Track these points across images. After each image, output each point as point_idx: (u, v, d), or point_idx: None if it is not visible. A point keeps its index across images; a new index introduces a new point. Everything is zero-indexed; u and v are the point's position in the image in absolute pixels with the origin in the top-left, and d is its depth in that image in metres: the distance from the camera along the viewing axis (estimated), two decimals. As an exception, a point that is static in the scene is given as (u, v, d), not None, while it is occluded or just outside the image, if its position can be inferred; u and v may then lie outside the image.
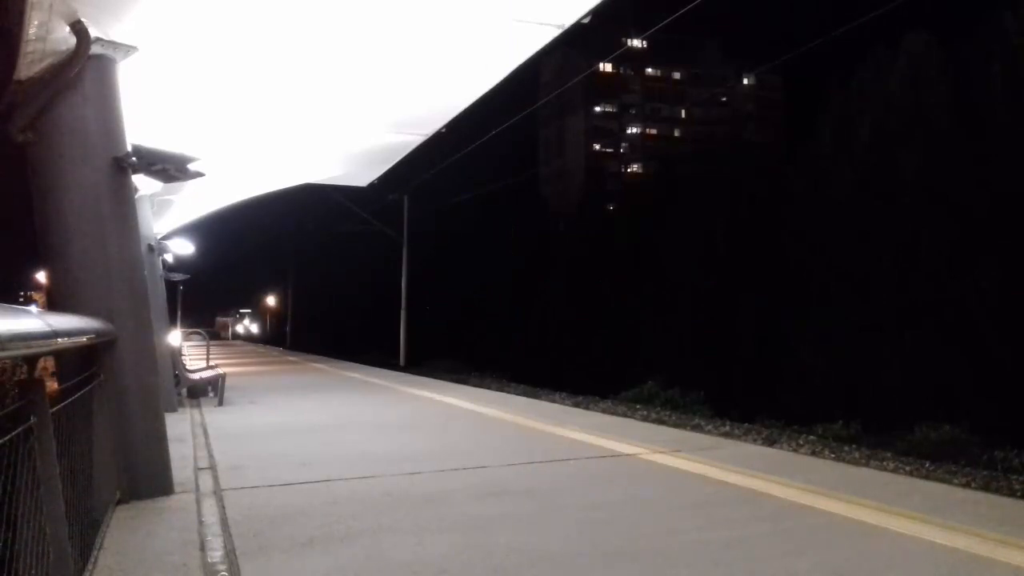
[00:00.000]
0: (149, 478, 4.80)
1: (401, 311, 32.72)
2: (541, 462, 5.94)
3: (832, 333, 25.40)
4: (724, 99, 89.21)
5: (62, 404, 3.28)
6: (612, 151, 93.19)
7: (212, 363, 13.55)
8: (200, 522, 4.23)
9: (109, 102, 4.92)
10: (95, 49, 4.70)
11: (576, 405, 13.13)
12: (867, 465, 9.52)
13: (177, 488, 4.96)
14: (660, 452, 6.22)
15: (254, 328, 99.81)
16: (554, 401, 13.65)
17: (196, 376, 11.34)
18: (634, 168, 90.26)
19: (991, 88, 24.85)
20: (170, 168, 5.27)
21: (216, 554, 3.66)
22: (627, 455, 6.17)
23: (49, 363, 6.62)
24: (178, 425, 7.85)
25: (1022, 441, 11.84)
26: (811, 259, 27.51)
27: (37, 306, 13.16)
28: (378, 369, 19.24)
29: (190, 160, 5.41)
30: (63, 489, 2.80)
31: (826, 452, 11.02)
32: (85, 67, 4.71)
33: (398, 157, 10.06)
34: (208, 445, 6.85)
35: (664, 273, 35.63)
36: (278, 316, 78.92)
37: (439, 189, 37.22)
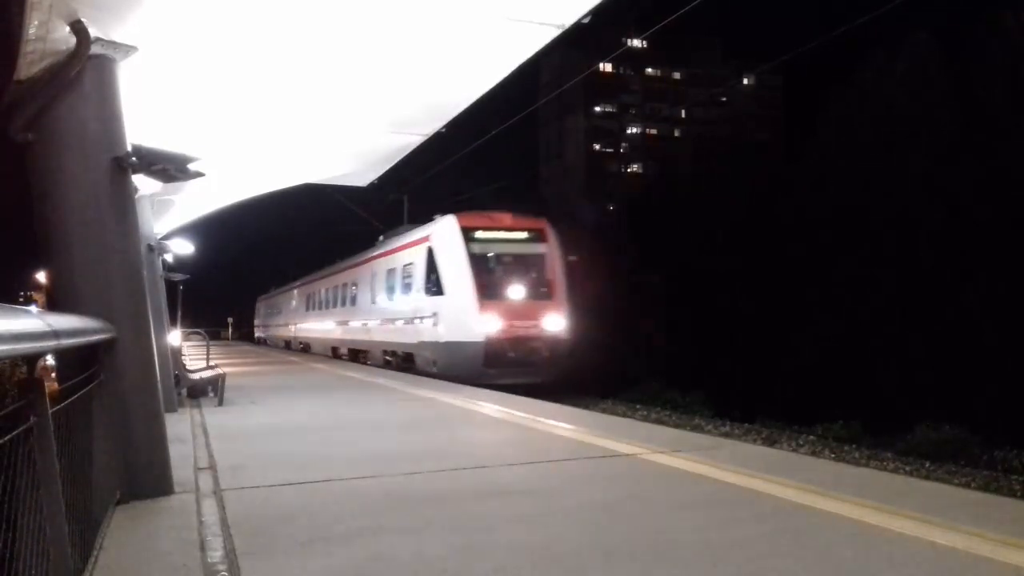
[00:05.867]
0: (149, 478, 4.80)
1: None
2: (541, 462, 5.94)
3: (832, 333, 25.39)
4: (724, 99, 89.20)
5: (62, 404, 3.28)
6: (612, 151, 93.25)
7: (212, 363, 13.55)
8: (200, 522, 4.23)
9: (109, 102, 4.92)
10: (95, 49, 4.70)
11: (576, 405, 13.11)
12: (867, 465, 9.54)
13: (177, 488, 4.96)
14: (660, 452, 6.22)
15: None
16: (554, 401, 13.63)
17: (196, 376, 11.34)
18: (634, 168, 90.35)
19: (991, 87, 24.86)
20: (170, 168, 5.27)
21: (216, 554, 3.66)
22: (627, 455, 6.17)
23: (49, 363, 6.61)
24: (178, 425, 7.84)
25: (1022, 442, 11.85)
26: (811, 258, 27.49)
27: (37, 306, 13.18)
28: (378, 369, 19.24)
29: (190, 160, 5.41)
30: (63, 489, 2.80)
31: (826, 452, 11.04)
32: (85, 67, 4.71)
33: (398, 157, 10.06)
34: (208, 445, 6.85)
35: (664, 272, 35.62)
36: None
37: (439, 189, 37.21)
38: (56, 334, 2.60)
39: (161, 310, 10.77)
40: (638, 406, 17.05)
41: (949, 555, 3.49)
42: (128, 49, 4.94)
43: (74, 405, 3.54)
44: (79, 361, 4.28)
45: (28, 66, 4.59)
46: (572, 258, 19.53)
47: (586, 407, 12.18)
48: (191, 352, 18.17)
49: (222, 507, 4.54)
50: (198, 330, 21.11)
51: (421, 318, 17.67)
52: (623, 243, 36.14)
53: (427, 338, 17.26)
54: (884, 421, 14.39)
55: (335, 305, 27.74)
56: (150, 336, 5.10)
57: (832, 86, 31.34)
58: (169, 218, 14.13)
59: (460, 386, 13.35)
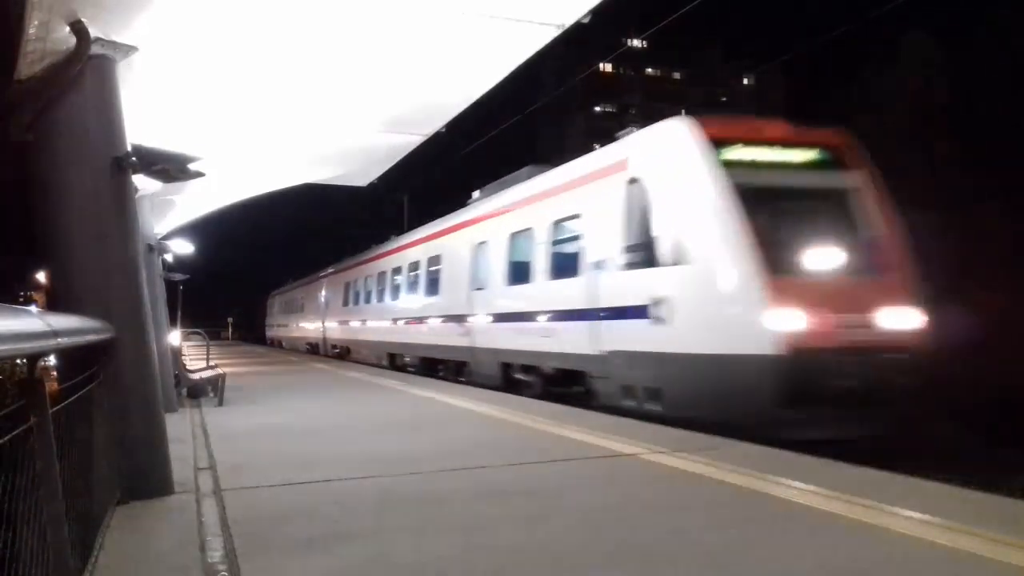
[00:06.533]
0: (149, 478, 4.81)
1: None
2: (542, 462, 5.94)
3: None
4: (724, 99, 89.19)
5: (62, 404, 3.28)
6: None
7: (212, 363, 13.55)
8: (200, 522, 4.23)
9: (109, 102, 4.93)
10: (95, 49, 4.71)
11: (576, 405, 13.08)
12: (867, 465, 9.51)
13: (177, 488, 4.96)
14: (660, 452, 6.22)
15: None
16: (555, 401, 13.61)
17: (196, 376, 11.34)
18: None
19: (991, 87, 24.89)
20: (170, 168, 5.28)
21: (216, 554, 3.65)
22: (627, 455, 6.17)
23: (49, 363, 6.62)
24: (178, 425, 7.84)
25: (1022, 441, 11.83)
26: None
27: (37, 306, 13.19)
28: (379, 369, 19.23)
29: (190, 160, 5.43)
30: (63, 489, 2.80)
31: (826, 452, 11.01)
32: (85, 67, 4.71)
33: (398, 157, 10.08)
34: (208, 445, 6.85)
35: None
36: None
37: (439, 189, 37.24)
38: (56, 334, 2.60)
39: (161, 310, 10.77)
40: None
41: (949, 555, 3.49)
42: (128, 49, 4.94)
43: (74, 405, 3.54)
44: (79, 361, 4.28)
45: (28, 66, 4.60)
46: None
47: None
48: (191, 352, 18.18)
49: (222, 507, 4.54)
50: (198, 330, 21.10)
51: (617, 310, 9.52)
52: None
53: (634, 345, 9.18)
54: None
55: (400, 294, 19.37)
56: (150, 336, 5.10)
57: (832, 86, 31.37)
58: (169, 218, 14.14)
59: (461, 387, 13.32)
